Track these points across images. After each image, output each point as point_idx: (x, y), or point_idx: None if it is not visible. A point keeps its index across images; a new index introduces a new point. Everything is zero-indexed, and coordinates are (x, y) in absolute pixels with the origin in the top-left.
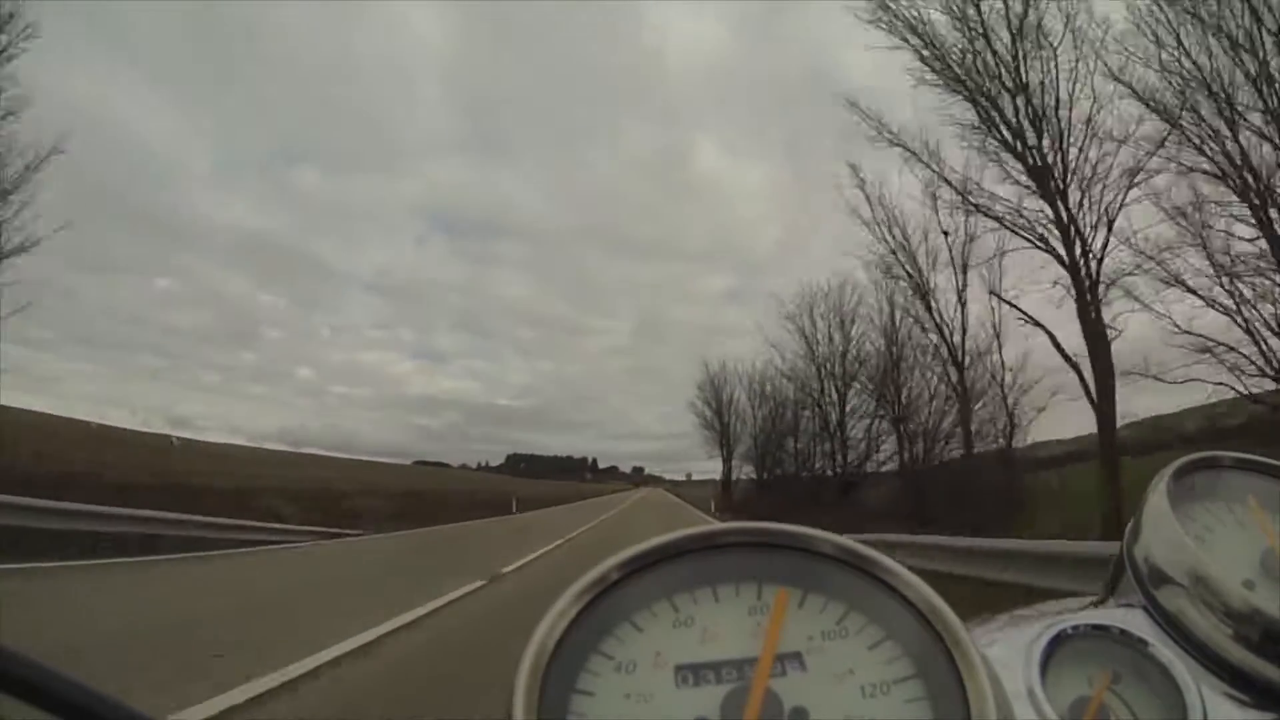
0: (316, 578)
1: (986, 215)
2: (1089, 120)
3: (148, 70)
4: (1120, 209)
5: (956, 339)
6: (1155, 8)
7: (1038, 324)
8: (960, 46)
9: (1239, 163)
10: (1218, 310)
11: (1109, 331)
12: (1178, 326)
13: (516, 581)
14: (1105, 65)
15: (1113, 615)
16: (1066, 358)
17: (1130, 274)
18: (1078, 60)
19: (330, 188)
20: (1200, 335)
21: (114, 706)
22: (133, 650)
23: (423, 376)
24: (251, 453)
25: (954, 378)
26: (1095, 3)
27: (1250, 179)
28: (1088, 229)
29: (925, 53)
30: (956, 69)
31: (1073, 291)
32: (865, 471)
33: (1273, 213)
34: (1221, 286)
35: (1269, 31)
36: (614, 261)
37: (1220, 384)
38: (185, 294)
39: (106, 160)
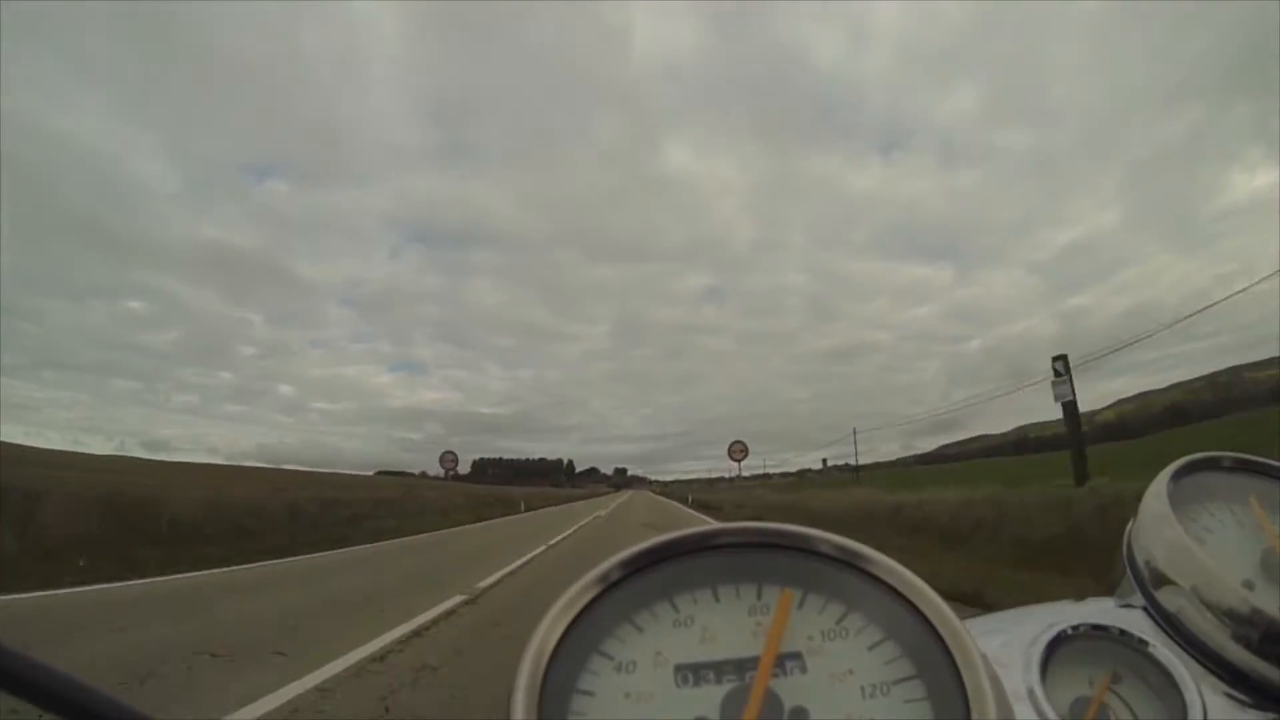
0: None
1: None
2: None
3: (114, 92)
4: None
5: None
6: None
7: None
8: None
9: None
10: None
11: None
12: None
13: None
14: None
15: (1113, 615)
16: None
17: None
18: None
19: (301, 201)
20: None
21: (114, 705)
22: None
23: (403, 389)
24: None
25: None
26: None
27: None
28: None
29: None
30: None
31: None
32: None
33: None
34: None
35: None
36: (590, 265)
37: None
38: (159, 315)
39: (73, 182)
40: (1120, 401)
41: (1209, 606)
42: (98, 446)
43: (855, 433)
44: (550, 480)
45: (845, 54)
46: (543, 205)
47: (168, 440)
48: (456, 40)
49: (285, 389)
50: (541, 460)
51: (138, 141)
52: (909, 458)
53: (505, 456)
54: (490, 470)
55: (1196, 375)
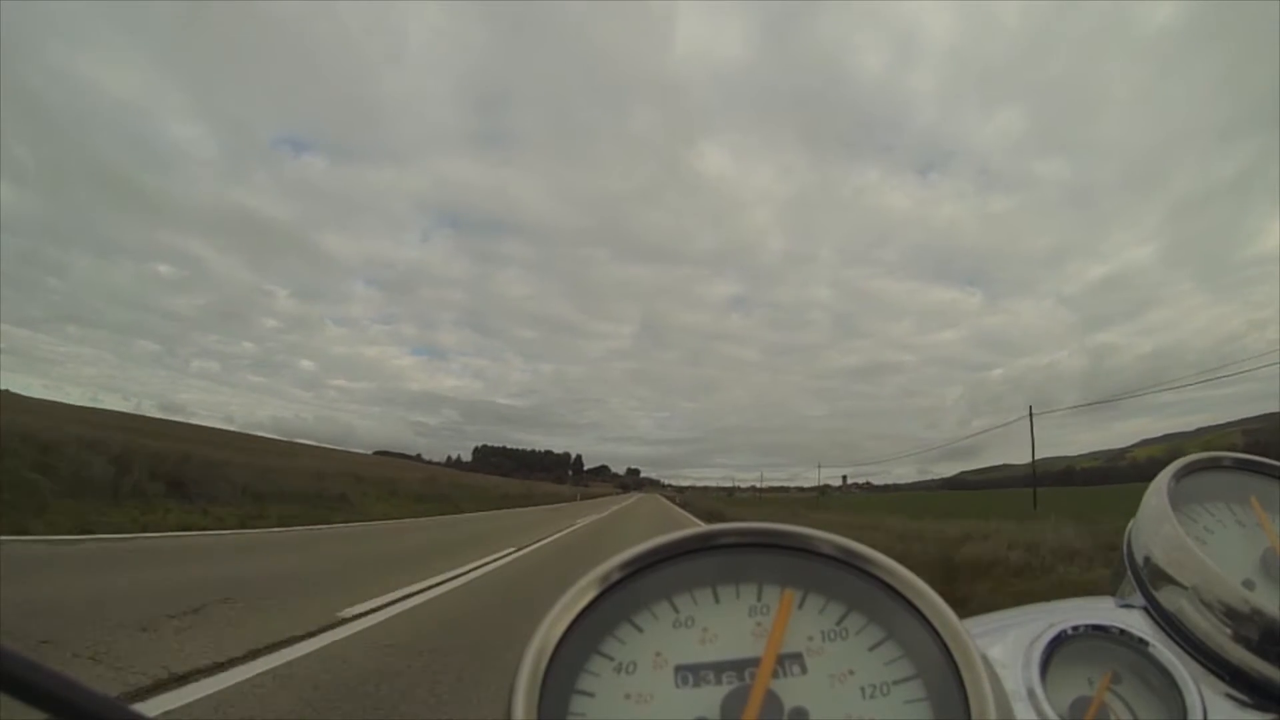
0: None
1: None
2: None
3: (159, 53)
4: None
5: None
6: None
7: None
8: None
9: None
10: None
11: None
12: None
13: None
14: None
15: (1113, 615)
16: None
17: None
18: None
19: (336, 177)
20: None
21: (113, 705)
22: None
23: (423, 373)
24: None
25: None
26: None
27: None
28: None
29: None
30: None
31: None
32: None
33: None
34: None
35: None
36: (618, 263)
37: None
38: (186, 280)
39: (106, 135)
40: (1146, 441)
41: (1209, 606)
42: (115, 405)
43: (1031, 414)
44: (555, 475)
45: (892, 68)
46: (575, 199)
47: (184, 404)
48: (498, 21)
49: (306, 364)
50: (548, 453)
51: (175, 103)
52: (932, 481)
53: (509, 446)
54: (493, 459)
55: (1226, 421)
